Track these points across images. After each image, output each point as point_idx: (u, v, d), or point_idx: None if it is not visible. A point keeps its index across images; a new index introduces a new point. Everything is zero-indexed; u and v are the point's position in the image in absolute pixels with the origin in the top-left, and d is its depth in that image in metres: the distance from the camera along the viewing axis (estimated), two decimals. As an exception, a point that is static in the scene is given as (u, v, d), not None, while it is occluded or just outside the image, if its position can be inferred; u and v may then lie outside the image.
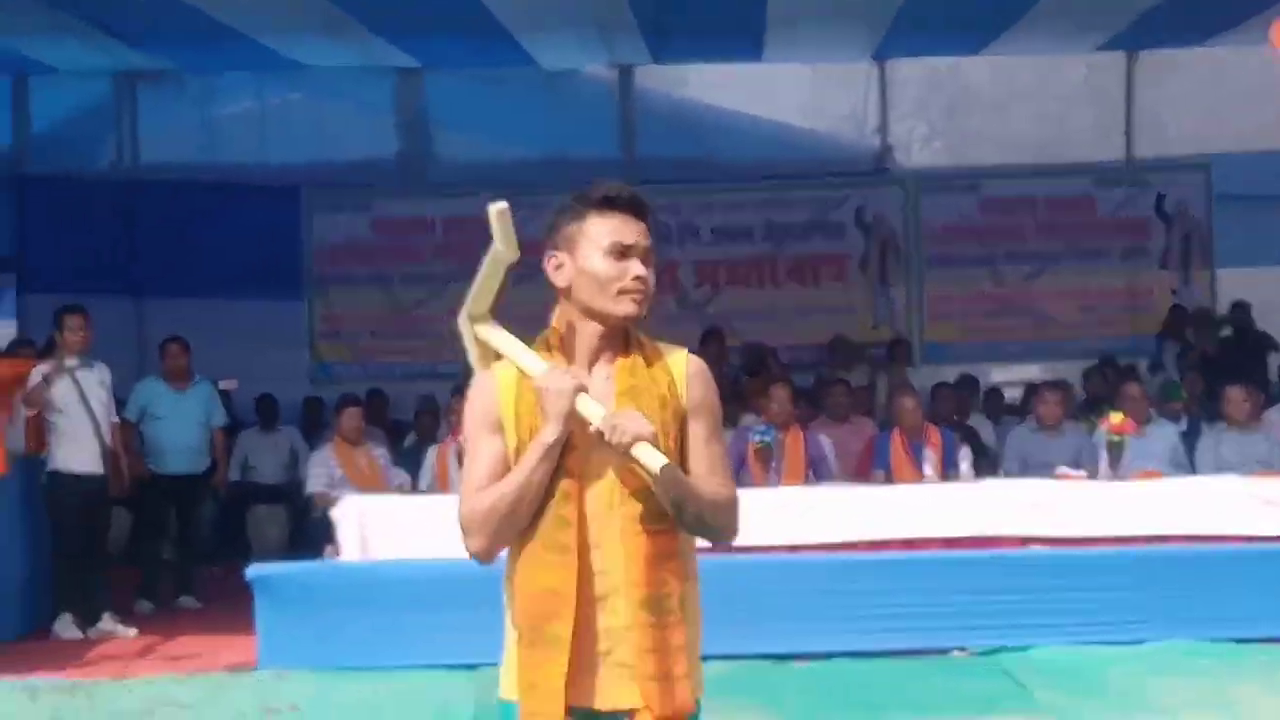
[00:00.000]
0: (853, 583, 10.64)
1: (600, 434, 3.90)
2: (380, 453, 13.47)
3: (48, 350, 13.37)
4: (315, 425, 16.33)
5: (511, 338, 4.16)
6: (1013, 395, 16.81)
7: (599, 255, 4.05)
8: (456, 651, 10.51)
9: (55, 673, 10.75)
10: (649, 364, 4.07)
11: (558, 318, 4.16)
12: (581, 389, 3.95)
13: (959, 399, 15.46)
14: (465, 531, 4.00)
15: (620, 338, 4.08)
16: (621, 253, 4.03)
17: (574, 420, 3.94)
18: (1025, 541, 11.29)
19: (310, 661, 10.51)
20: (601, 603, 3.95)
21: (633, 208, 4.08)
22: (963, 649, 10.71)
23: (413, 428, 15.92)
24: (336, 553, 11.43)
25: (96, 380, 12.42)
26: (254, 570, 10.87)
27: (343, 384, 16.88)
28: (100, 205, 17.25)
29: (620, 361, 4.06)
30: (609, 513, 3.97)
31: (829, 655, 10.29)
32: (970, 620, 10.72)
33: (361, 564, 11.15)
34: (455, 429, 13.03)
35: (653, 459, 3.90)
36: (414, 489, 12.98)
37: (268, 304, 17.33)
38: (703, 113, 18.29)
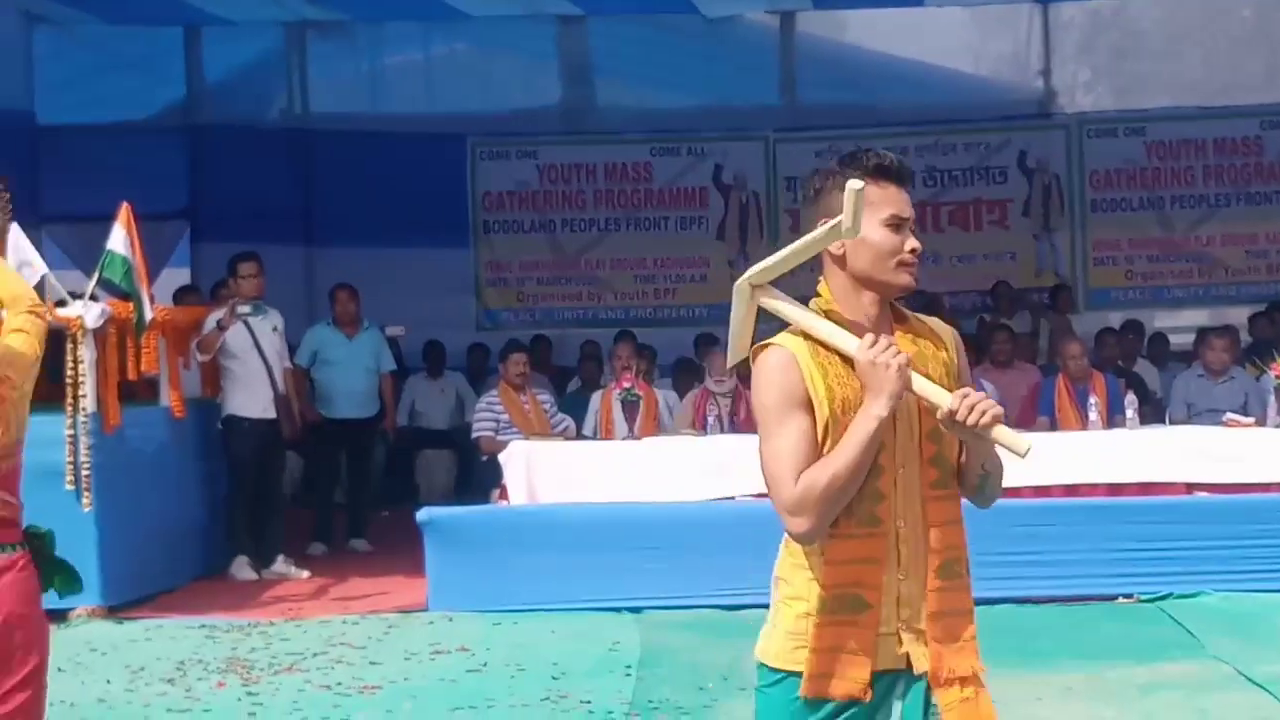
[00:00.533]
0: (1018, 529, 10.63)
1: (950, 413, 3.82)
2: (545, 398, 13.62)
3: (214, 297, 13.65)
4: (481, 371, 16.54)
5: (803, 308, 4.04)
6: (1179, 341, 16.63)
7: (877, 226, 3.94)
8: (622, 594, 10.68)
9: (232, 613, 11.01)
10: (919, 333, 4.05)
11: (828, 285, 4.06)
12: (909, 363, 3.87)
13: (1124, 345, 15.33)
14: (794, 513, 3.83)
15: (888, 305, 4.03)
16: (897, 225, 3.96)
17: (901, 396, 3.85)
18: (1191, 488, 11.22)
19: (478, 603, 10.69)
20: (903, 570, 3.96)
21: (903, 178, 4.00)
22: (1129, 596, 10.67)
23: (577, 373, 16.08)
24: (503, 496, 11.61)
25: (269, 326, 12.65)
26: (424, 514, 11.05)
27: (508, 330, 17.11)
28: (271, 155, 17.53)
29: (897, 331, 4.00)
30: (912, 482, 3.95)
31: (995, 601, 10.31)
32: (1136, 567, 10.68)
33: (529, 507, 11.33)
34: (621, 375, 13.18)
35: (1015, 439, 3.87)
36: (578, 434, 13.14)
37: (435, 251, 17.55)
38: (863, 58, 18.22)
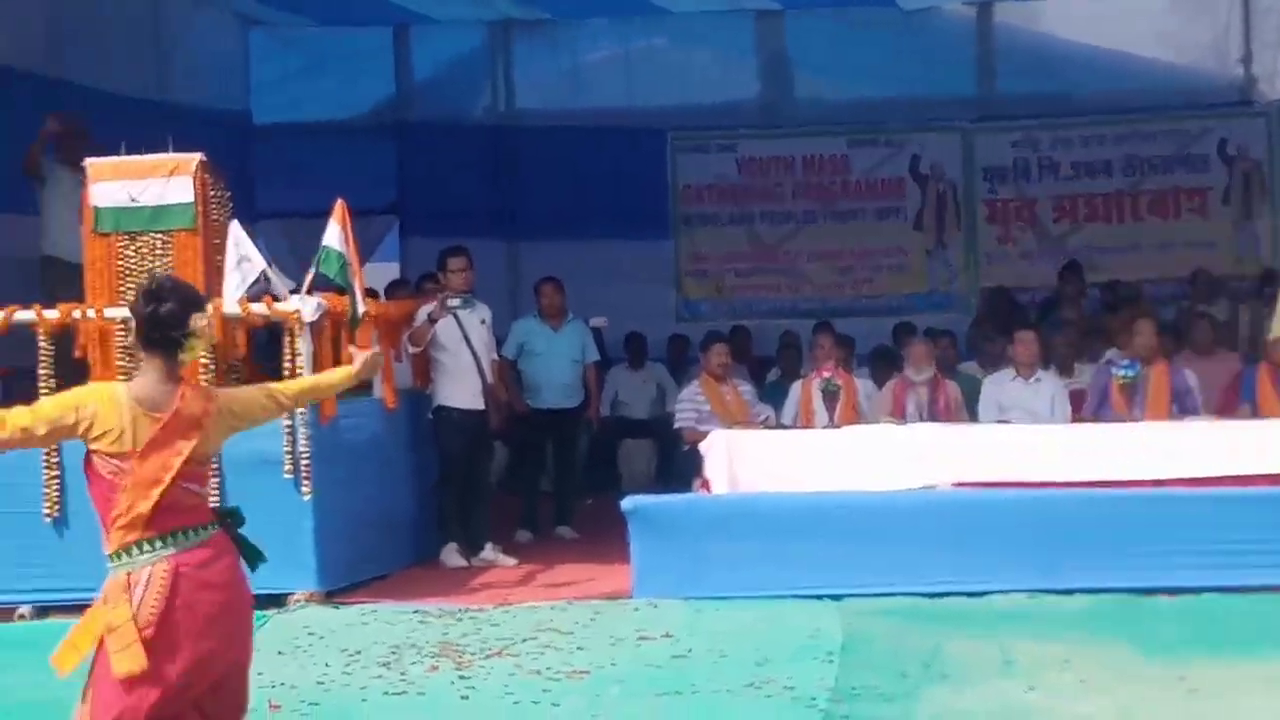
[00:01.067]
0: (1220, 517, 10.59)
1: None
2: (746, 388, 13.75)
3: (419, 290, 13.94)
4: (681, 362, 16.73)
5: None
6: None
7: None
8: (823, 581, 10.75)
9: (442, 599, 11.23)
10: None
11: None
12: None
13: (1326, 332, 15.12)
14: None
15: None
16: None
17: None
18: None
19: (682, 590, 10.82)
20: None
21: None
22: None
23: (776, 363, 16.18)
24: (705, 485, 11.76)
25: (478, 319, 12.92)
26: (629, 502, 11.22)
27: (707, 321, 17.28)
28: (476, 150, 17.89)
29: None
30: None
31: (1198, 590, 10.28)
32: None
33: (730, 496, 11.44)
34: (821, 365, 13.30)
35: None
36: (778, 423, 13.26)
37: (636, 244, 17.79)
38: (1060, 47, 18.13)
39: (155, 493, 5.38)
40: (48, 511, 10.85)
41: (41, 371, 10.81)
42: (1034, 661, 8.90)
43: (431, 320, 12.55)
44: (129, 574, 5.39)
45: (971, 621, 9.99)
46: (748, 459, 11.65)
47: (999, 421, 12.60)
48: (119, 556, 5.42)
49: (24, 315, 11.02)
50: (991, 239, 18.31)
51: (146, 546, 5.40)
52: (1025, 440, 11.66)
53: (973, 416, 13.01)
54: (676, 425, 13.49)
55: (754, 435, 12.28)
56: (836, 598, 10.64)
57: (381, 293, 14.28)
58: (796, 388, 13.44)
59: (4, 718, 8.42)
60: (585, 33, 18.40)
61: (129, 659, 5.31)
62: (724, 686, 8.51)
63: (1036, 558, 10.65)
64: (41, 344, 10.86)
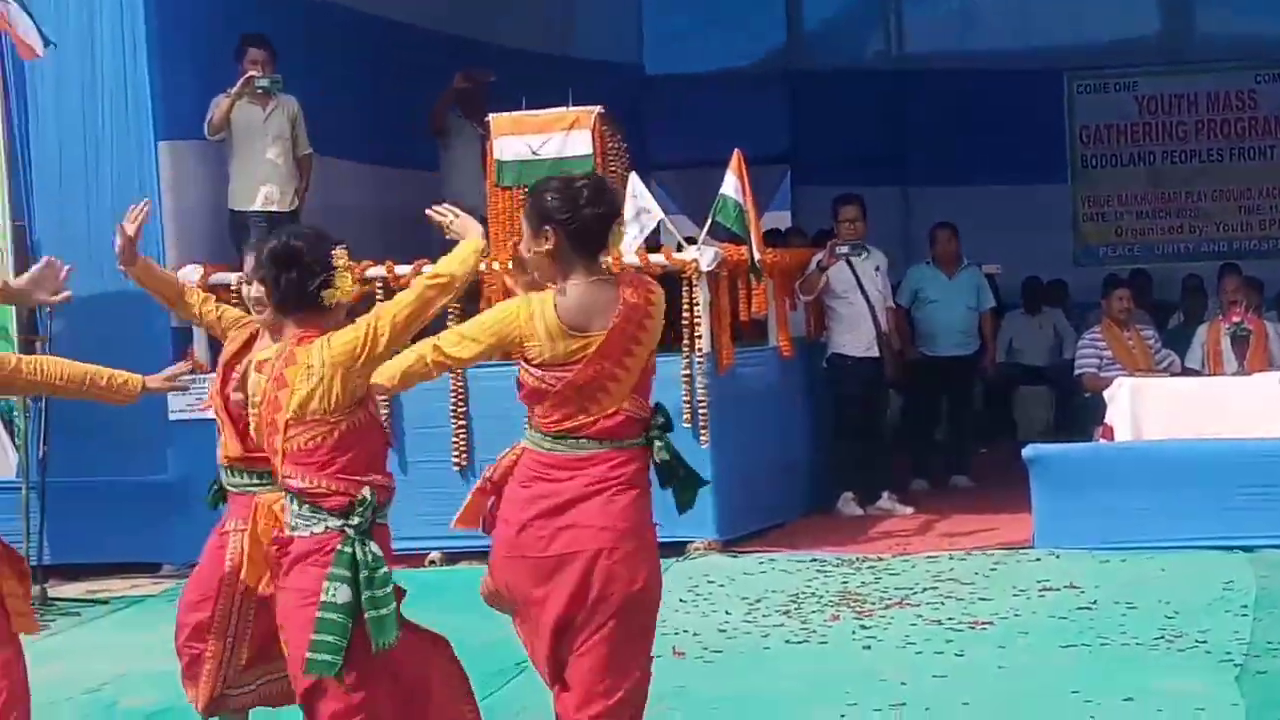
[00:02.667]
0: None
1: None
2: (1149, 333, 13.43)
3: (819, 240, 13.92)
4: (1079, 307, 16.40)
5: None
6: None
7: None
8: (1234, 532, 10.47)
9: (840, 548, 11.24)
10: None
11: None
12: None
13: None
14: None
15: None
16: None
17: None
18: None
19: (1085, 541, 10.63)
20: None
21: None
22: None
23: (1179, 307, 15.77)
24: (1107, 434, 11.52)
25: (872, 266, 12.84)
26: (1030, 450, 11.05)
27: (1106, 265, 16.94)
28: (868, 97, 17.77)
29: None
30: None
31: None
32: None
33: (1135, 444, 11.21)
34: (1229, 309, 12.90)
35: None
36: (1182, 369, 12.92)
37: (1031, 188, 17.49)
38: None
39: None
40: (456, 461, 11.15)
41: (448, 324, 11.04)
42: None
43: (821, 268, 12.51)
44: None
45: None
46: (1152, 406, 11.41)
47: None
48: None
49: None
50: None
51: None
52: None
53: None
54: (1077, 372, 13.24)
55: (1159, 382, 12.01)
56: (1249, 549, 10.35)
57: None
58: (1202, 332, 13.07)
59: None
60: (973, -29, 18.12)
61: None
62: (1133, 639, 8.35)
63: None
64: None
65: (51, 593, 10.90)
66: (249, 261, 6.77)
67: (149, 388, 6.45)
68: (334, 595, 4.91)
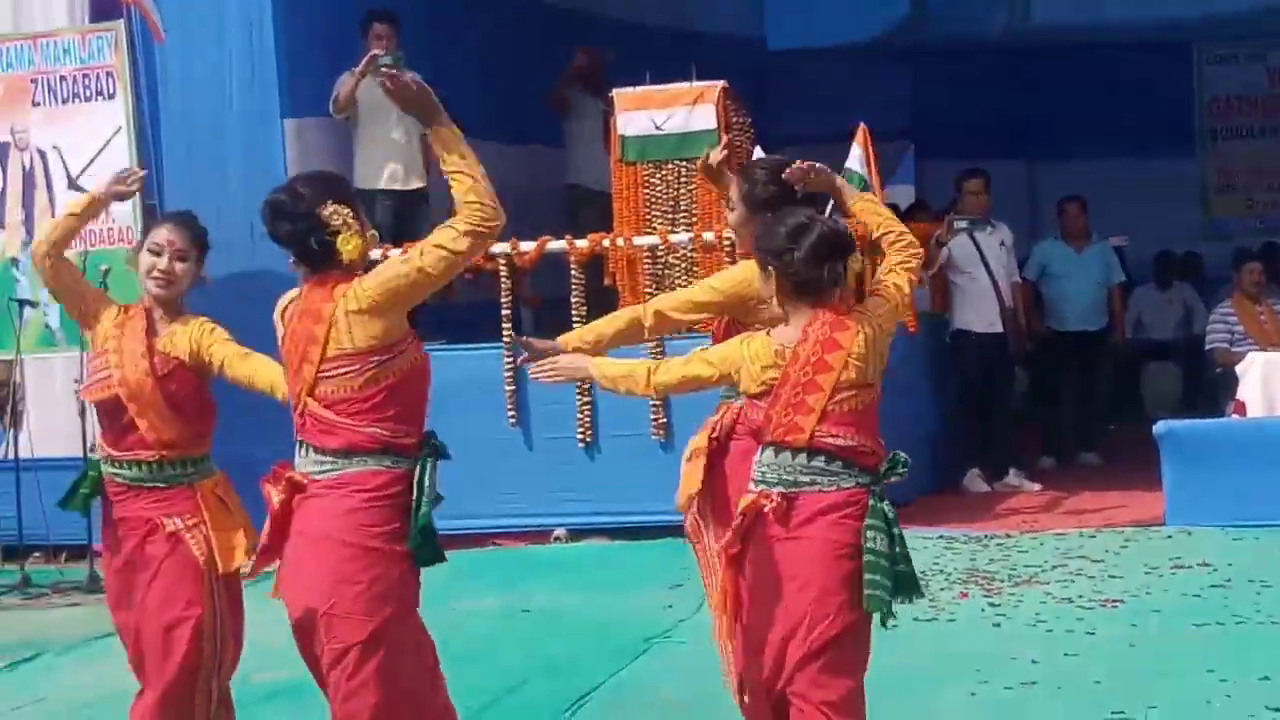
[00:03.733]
0: None
1: None
2: (1280, 308, 13.25)
3: (943, 215, 13.80)
4: (1209, 281, 16.17)
5: None
6: None
7: None
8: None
9: (966, 525, 11.17)
10: None
11: None
12: None
13: None
14: None
15: None
16: None
17: None
18: None
19: (1217, 518, 10.50)
20: None
21: None
22: None
23: (1312, 282, 15.51)
24: (1239, 410, 11.36)
25: (997, 241, 12.73)
26: (1161, 426, 10.92)
27: (1236, 239, 16.65)
28: (992, 70, 17.60)
29: None
30: None
31: None
32: None
33: (1270, 420, 11.06)
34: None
35: None
36: (1315, 345, 12.73)
37: (1159, 161, 17.26)
38: None
39: None
40: (581, 438, 11.16)
41: (574, 300, 11.07)
42: None
43: (939, 243, 12.40)
44: None
45: None
46: (1286, 382, 11.22)
47: None
48: None
49: (555, 245, 11.30)
50: None
51: None
52: None
53: None
54: (1208, 347, 13.09)
55: (1292, 357, 11.80)
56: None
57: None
58: (1337, 307, 12.88)
59: (546, 630, 8.71)
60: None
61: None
62: (1269, 618, 8.26)
63: None
64: (573, 273, 11.11)
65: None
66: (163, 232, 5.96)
67: None
68: (876, 543, 5.18)
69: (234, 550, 5.77)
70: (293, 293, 5.33)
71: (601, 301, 10.51)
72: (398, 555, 5.11)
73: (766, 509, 5.25)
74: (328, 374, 5.13)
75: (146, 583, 5.80)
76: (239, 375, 5.79)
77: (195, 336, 5.83)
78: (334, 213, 5.15)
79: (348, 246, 5.14)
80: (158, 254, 5.84)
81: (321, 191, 5.23)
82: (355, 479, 5.11)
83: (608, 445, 11.04)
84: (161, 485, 5.84)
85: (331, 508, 5.12)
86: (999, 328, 12.72)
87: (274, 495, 5.24)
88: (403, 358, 5.14)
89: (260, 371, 5.74)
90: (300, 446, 5.25)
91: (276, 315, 5.38)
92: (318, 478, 5.16)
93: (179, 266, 5.85)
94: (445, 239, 5.09)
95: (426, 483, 5.12)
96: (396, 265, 5.15)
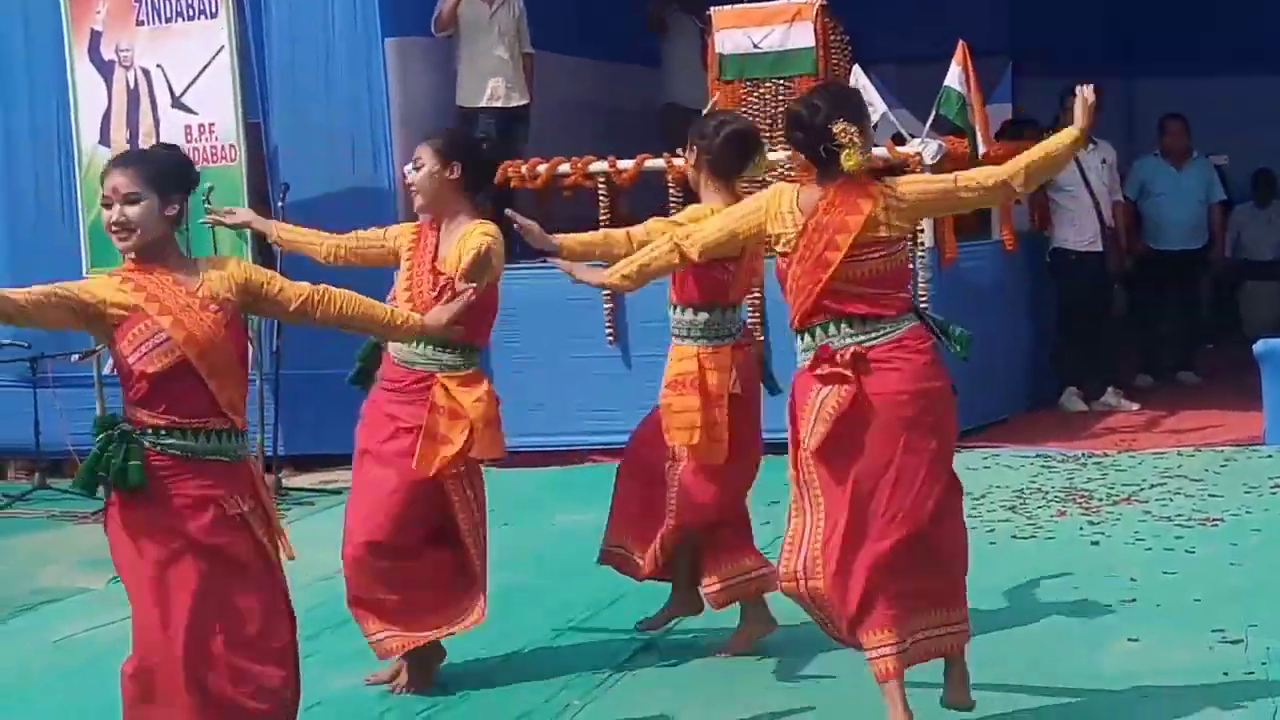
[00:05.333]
0: None
1: None
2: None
3: (1051, 131, 13.69)
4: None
5: None
6: None
7: None
8: None
9: (1064, 444, 11.17)
10: None
11: None
12: None
13: None
14: None
15: None
16: None
17: None
18: None
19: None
20: None
21: None
22: None
23: None
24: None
25: (1098, 159, 12.65)
26: (1262, 345, 10.84)
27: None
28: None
29: None
30: None
31: None
32: None
33: (1370, 339, 10.99)
34: None
35: None
36: None
37: (1261, 78, 16.97)
38: None
39: None
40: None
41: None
42: None
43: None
44: None
45: None
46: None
47: None
48: None
49: (653, 164, 11.33)
50: None
51: None
52: None
53: None
54: (1308, 265, 12.98)
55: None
56: None
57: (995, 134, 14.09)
58: None
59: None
60: None
61: None
62: (1370, 536, 8.23)
63: None
64: (671, 191, 11.15)
65: (286, 483, 11.22)
66: None
67: (427, 327, 5.73)
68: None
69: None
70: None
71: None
72: None
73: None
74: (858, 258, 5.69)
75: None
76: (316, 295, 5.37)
77: (240, 272, 5.28)
78: (843, 130, 5.62)
79: (849, 162, 5.62)
80: (108, 205, 5.15)
81: (835, 108, 5.70)
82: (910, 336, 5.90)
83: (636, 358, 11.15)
84: (226, 459, 5.20)
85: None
86: (1099, 246, 12.67)
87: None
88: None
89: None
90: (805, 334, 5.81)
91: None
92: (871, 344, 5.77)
93: (131, 211, 5.09)
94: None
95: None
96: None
